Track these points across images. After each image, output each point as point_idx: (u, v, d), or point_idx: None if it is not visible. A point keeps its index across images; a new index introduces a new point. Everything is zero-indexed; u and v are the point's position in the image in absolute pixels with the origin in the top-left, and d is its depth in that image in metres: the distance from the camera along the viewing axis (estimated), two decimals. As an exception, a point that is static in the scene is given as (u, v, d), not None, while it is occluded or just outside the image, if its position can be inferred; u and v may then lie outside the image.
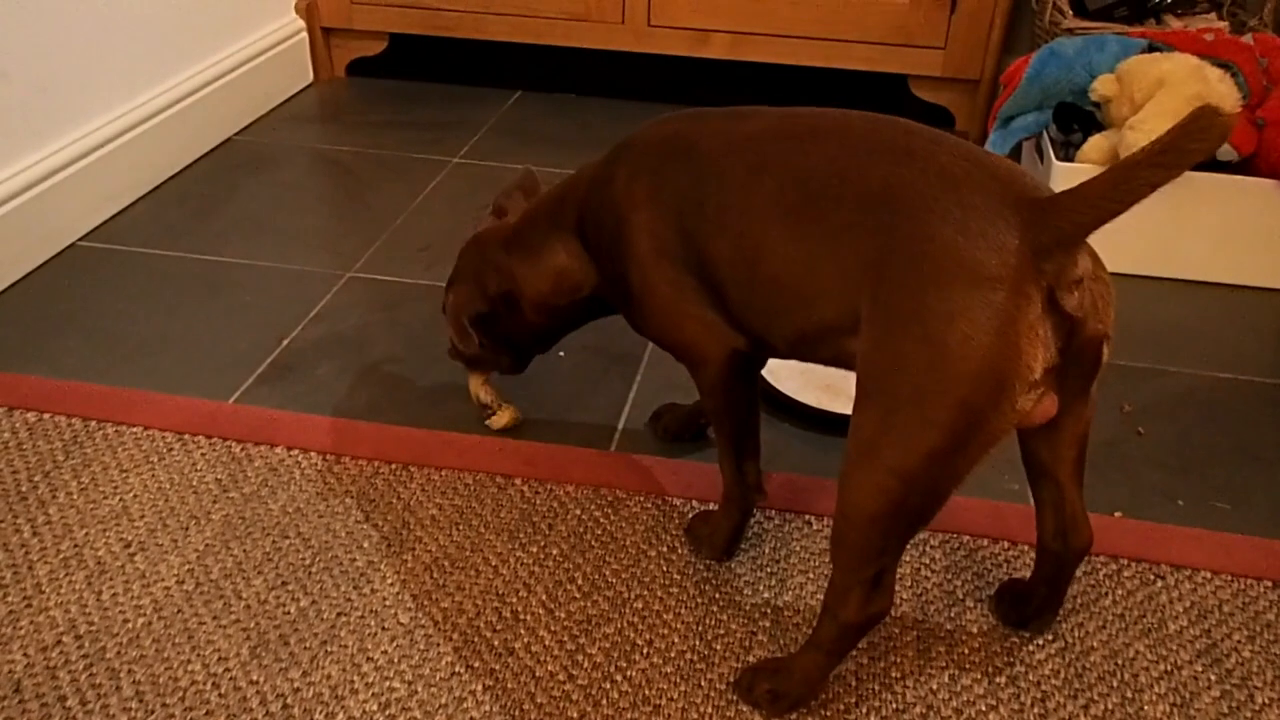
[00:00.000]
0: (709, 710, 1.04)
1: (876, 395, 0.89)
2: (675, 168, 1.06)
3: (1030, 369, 0.84)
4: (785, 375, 1.44)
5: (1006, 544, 1.25)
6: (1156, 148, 0.77)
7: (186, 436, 1.38)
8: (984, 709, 1.05)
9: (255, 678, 1.07)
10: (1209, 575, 1.21)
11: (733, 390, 1.13)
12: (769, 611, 1.16)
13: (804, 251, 0.95)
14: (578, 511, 1.28)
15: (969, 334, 0.82)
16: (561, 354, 1.51)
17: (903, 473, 0.88)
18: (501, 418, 1.41)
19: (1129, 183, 0.79)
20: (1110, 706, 1.06)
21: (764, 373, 1.31)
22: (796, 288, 0.96)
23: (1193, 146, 0.75)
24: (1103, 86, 1.78)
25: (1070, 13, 2.09)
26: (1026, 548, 1.24)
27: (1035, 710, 1.05)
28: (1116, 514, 1.30)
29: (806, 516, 1.28)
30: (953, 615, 1.16)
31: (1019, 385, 0.84)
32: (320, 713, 1.04)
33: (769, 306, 1.00)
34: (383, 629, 1.12)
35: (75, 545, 1.22)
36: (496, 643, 1.11)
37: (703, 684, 1.07)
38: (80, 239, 1.86)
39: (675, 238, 1.06)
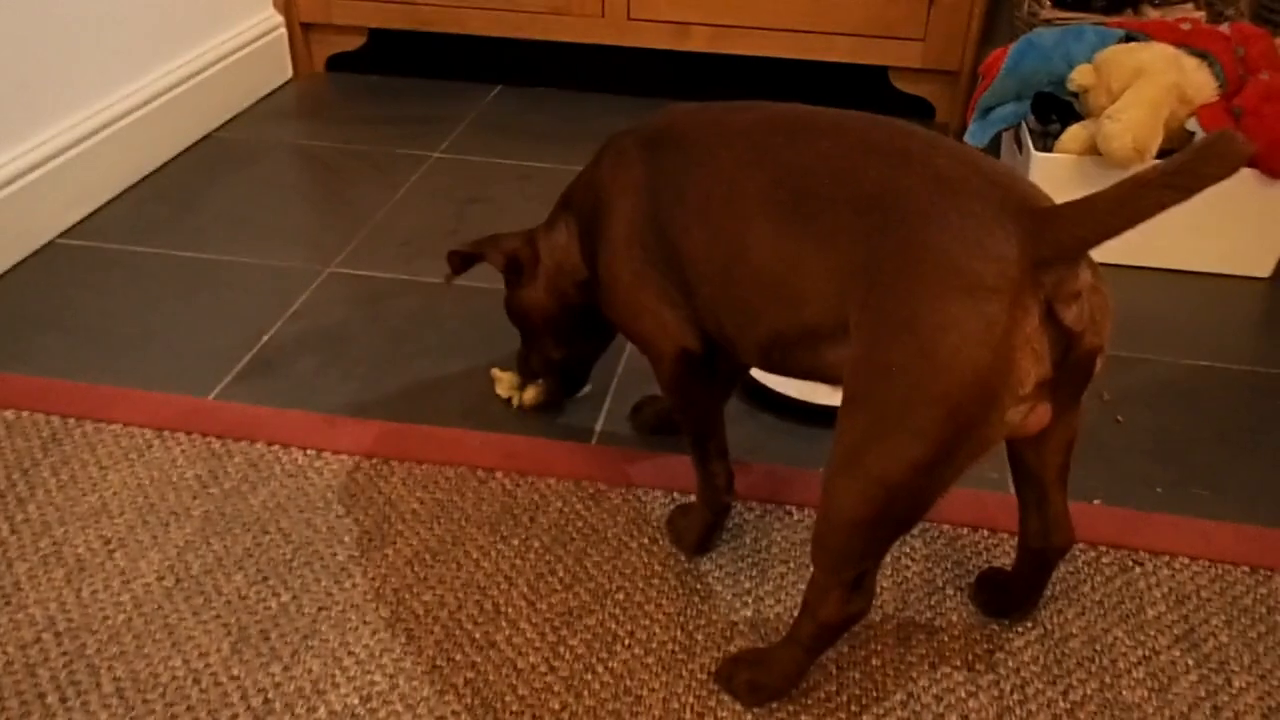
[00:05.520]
0: (690, 700, 1.05)
1: (864, 402, 0.88)
2: (663, 157, 1.06)
3: (1021, 383, 0.83)
4: (766, 367, 1.44)
5: (986, 532, 1.25)
6: (1170, 168, 0.75)
7: (166, 433, 1.38)
8: (964, 695, 1.06)
9: (236, 673, 1.07)
10: (1187, 561, 1.22)
11: (687, 389, 1.13)
12: (750, 601, 1.16)
13: (791, 250, 0.93)
14: (559, 504, 1.28)
15: (960, 346, 0.81)
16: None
17: (887, 481, 0.87)
18: (529, 394, 1.44)
19: (1137, 201, 0.77)
20: (1089, 692, 1.07)
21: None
22: (779, 287, 0.95)
23: (1207, 171, 0.73)
24: (1080, 76, 1.78)
25: (1048, 3, 2.09)
26: (1006, 535, 1.24)
27: (1015, 697, 1.06)
28: (1096, 501, 1.31)
29: (787, 507, 1.29)
30: (933, 604, 1.16)
31: (1009, 399, 0.83)
32: (301, 706, 1.04)
33: (745, 305, 0.99)
34: (364, 623, 1.12)
35: (54, 543, 1.21)
36: (478, 635, 1.11)
37: (684, 674, 1.07)
38: (59, 236, 1.85)
39: (649, 227, 1.06)
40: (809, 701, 1.05)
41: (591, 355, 1.37)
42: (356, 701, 1.04)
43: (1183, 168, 0.74)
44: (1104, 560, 1.22)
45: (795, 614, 1.02)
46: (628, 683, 1.07)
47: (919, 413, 0.84)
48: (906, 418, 0.85)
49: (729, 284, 1.00)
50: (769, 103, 1.05)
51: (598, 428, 1.42)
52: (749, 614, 1.14)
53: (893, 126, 0.94)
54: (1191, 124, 1.72)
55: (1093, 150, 1.75)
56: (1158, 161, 1.66)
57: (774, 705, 1.05)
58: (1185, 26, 1.86)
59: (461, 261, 1.27)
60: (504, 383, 1.46)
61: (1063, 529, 1.06)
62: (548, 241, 1.25)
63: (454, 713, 1.03)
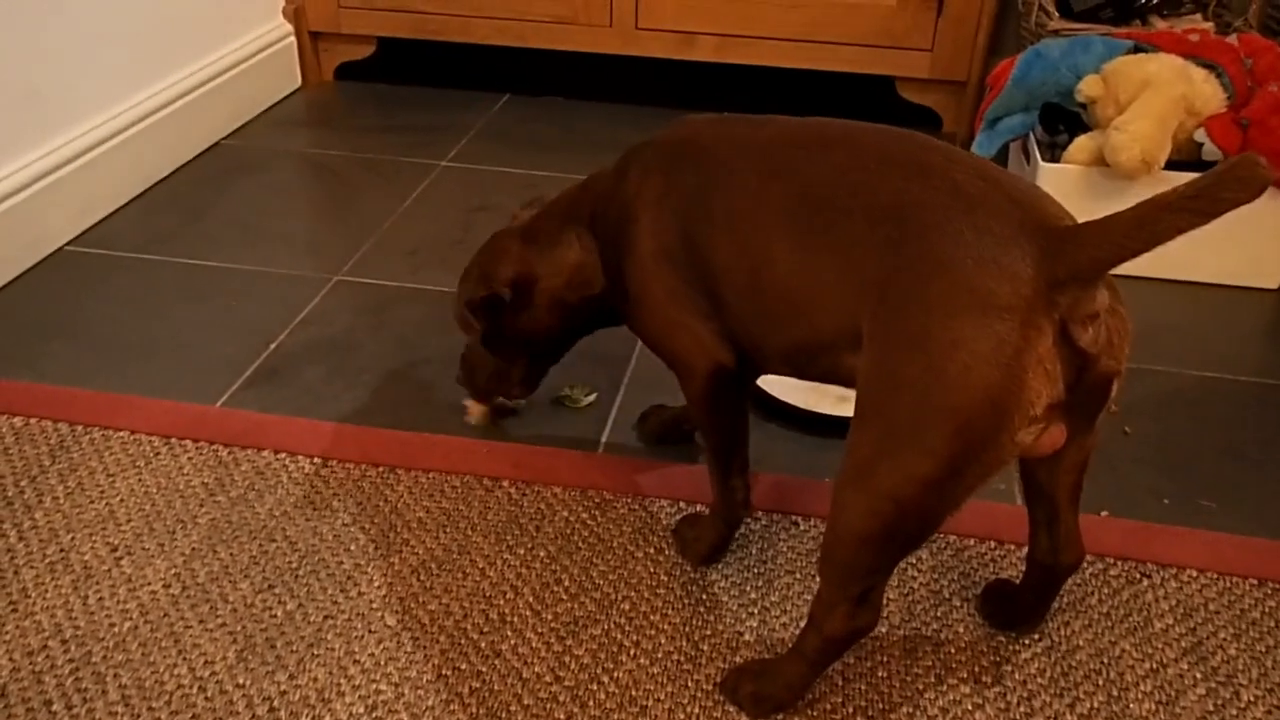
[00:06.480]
0: (696, 711, 1.05)
1: (874, 418, 0.88)
2: (687, 170, 1.05)
3: (1032, 404, 0.82)
4: (772, 376, 1.44)
5: (993, 543, 1.25)
6: (1189, 191, 0.74)
7: (173, 440, 1.38)
8: (970, 708, 1.06)
9: (242, 681, 1.07)
10: (1195, 573, 1.22)
11: (718, 405, 1.12)
12: (756, 612, 1.16)
13: (808, 262, 0.94)
14: (565, 513, 1.28)
15: (971, 364, 0.81)
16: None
17: (896, 498, 0.87)
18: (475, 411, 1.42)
19: (1155, 224, 0.76)
20: (1096, 705, 1.06)
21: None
22: (798, 298, 0.95)
23: (1227, 195, 0.73)
24: (1088, 87, 1.78)
25: (1056, 14, 2.09)
26: (1014, 547, 1.24)
27: (1021, 709, 1.06)
28: (1103, 513, 1.30)
29: (793, 517, 1.28)
30: (939, 615, 1.16)
31: (1019, 419, 0.83)
32: (307, 716, 1.03)
33: (768, 316, 0.99)
34: (370, 632, 1.12)
35: (61, 549, 1.21)
36: (484, 645, 1.11)
37: (689, 685, 1.07)
38: (68, 243, 1.86)
39: (678, 241, 1.05)
40: (814, 713, 1.05)
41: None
42: (362, 711, 1.04)
43: (1202, 192, 0.74)
44: (1111, 572, 1.22)
45: (801, 625, 1.02)
46: (633, 693, 1.06)
47: (928, 430, 0.84)
48: (916, 434, 0.84)
49: (754, 295, 1.00)
50: (789, 117, 1.05)
51: (604, 437, 1.42)
52: (755, 624, 1.14)
53: (913, 140, 0.94)
54: (1200, 135, 1.72)
55: (1100, 161, 1.74)
56: (1167, 172, 1.68)
57: (779, 717, 1.04)
58: (1193, 38, 1.86)
59: (483, 305, 1.20)
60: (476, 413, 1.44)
61: (1073, 547, 1.06)
62: (549, 260, 1.20)
63: (459, 722, 1.03)
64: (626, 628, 1.13)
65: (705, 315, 1.07)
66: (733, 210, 1.00)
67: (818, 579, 0.98)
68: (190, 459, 1.35)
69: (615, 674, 1.08)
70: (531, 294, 1.21)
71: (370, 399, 1.48)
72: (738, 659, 1.10)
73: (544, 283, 1.21)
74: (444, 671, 1.08)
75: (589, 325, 1.26)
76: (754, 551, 1.24)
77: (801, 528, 1.27)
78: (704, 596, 1.17)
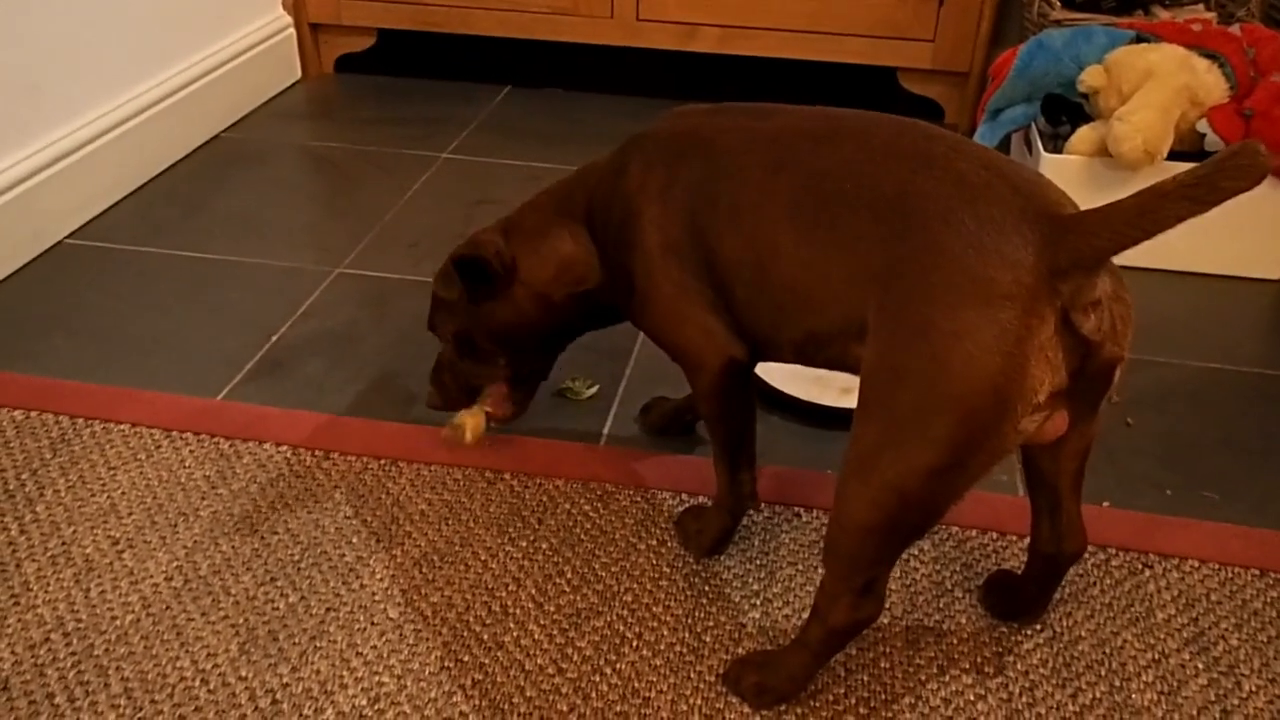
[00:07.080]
0: (698, 702, 1.05)
1: (877, 408, 0.88)
2: (691, 163, 1.05)
3: (1035, 392, 0.82)
4: (774, 367, 1.44)
5: (995, 534, 1.25)
6: (1189, 179, 0.74)
7: (175, 433, 1.38)
8: (972, 698, 1.06)
9: (244, 673, 1.07)
10: (1197, 564, 1.22)
11: (728, 398, 1.12)
12: (758, 603, 1.16)
13: (815, 254, 0.94)
14: (567, 505, 1.28)
15: (973, 353, 0.81)
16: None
17: (900, 488, 0.87)
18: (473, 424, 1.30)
19: (1155, 212, 0.76)
20: (1098, 695, 1.06)
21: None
22: (805, 291, 0.95)
23: (1227, 184, 0.73)
24: (1091, 78, 1.78)
25: (1058, 4, 2.09)
26: (1015, 538, 1.24)
27: (1023, 700, 1.06)
28: (1105, 504, 1.30)
29: (796, 509, 1.28)
30: (941, 606, 1.16)
31: (1022, 408, 0.83)
32: (309, 707, 1.04)
33: (778, 308, 0.99)
34: (372, 624, 1.12)
35: (63, 543, 1.22)
36: (486, 637, 1.11)
37: (692, 676, 1.07)
38: (67, 237, 1.85)
39: (685, 235, 1.05)
40: (817, 704, 1.05)
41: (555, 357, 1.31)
42: (364, 703, 1.04)
43: (1203, 179, 0.74)
44: (1113, 563, 1.22)
45: (804, 616, 1.02)
46: (635, 684, 1.06)
47: (931, 420, 0.84)
48: (919, 424, 0.84)
49: (761, 287, 1.00)
50: (793, 106, 1.04)
51: (606, 429, 1.42)
52: (757, 616, 1.14)
53: (917, 130, 0.94)
54: (1202, 125, 1.71)
55: (1103, 152, 1.74)
56: (1169, 163, 1.68)
57: (782, 708, 1.04)
58: (1196, 28, 1.85)
59: (471, 264, 1.16)
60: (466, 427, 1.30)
61: (1075, 535, 1.06)
62: (536, 254, 1.17)
63: (462, 714, 1.03)
64: (629, 619, 1.13)
65: (714, 308, 1.06)
66: (739, 203, 1.00)
67: (821, 570, 0.98)
68: (192, 452, 1.35)
69: (618, 666, 1.08)
70: (512, 281, 1.17)
71: (372, 391, 1.48)
72: (740, 650, 1.10)
73: (528, 273, 1.17)
74: (446, 663, 1.08)
75: (578, 327, 1.24)
76: (756, 543, 1.24)
77: (804, 519, 1.27)
78: (707, 588, 1.17)
